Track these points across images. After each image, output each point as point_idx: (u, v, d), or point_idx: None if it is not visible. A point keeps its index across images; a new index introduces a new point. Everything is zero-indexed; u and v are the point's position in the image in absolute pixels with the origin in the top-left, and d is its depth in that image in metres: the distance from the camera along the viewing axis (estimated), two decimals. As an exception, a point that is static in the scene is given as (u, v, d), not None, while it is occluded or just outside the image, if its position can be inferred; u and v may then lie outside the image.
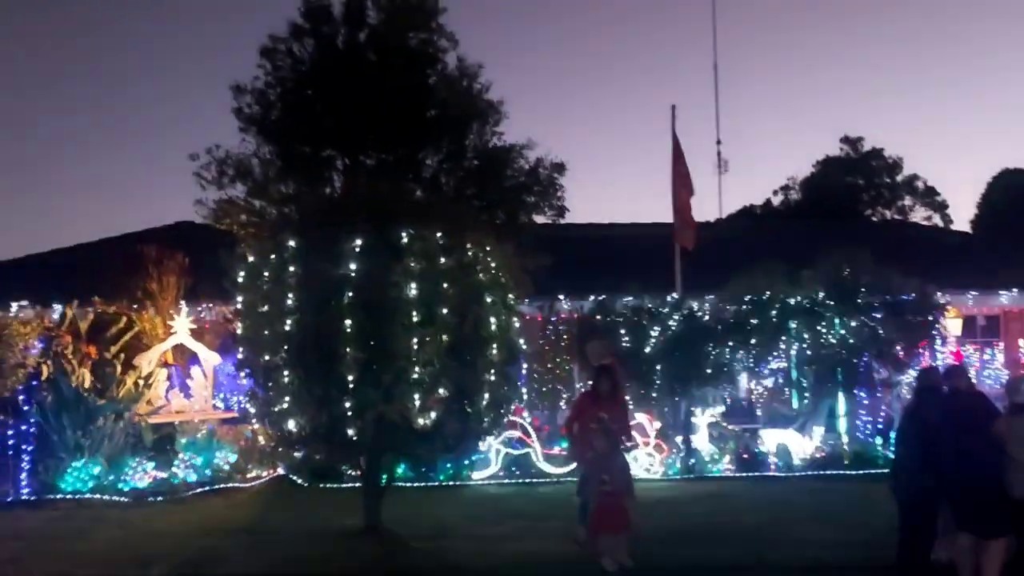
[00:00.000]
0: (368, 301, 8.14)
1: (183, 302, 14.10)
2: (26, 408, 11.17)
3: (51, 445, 11.37)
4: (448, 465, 12.19)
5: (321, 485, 11.97)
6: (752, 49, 66.31)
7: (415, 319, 8.20)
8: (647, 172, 76.02)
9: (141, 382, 12.36)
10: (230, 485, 11.94)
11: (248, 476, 12.35)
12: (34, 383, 11.30)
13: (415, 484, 11.93)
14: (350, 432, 8.25)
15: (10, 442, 10.98)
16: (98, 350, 11.97)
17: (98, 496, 11.07)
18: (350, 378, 8.05)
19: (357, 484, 11.59)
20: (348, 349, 8.03)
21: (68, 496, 11.01)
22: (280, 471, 12.49)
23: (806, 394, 13.90)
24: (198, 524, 9.76)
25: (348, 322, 8.06)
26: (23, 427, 11.09)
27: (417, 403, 8.21)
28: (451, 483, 12.17)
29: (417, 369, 8.17)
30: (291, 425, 8.48)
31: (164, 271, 14.01)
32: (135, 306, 13.74)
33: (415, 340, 8.16)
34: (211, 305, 14.99)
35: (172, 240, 15.56)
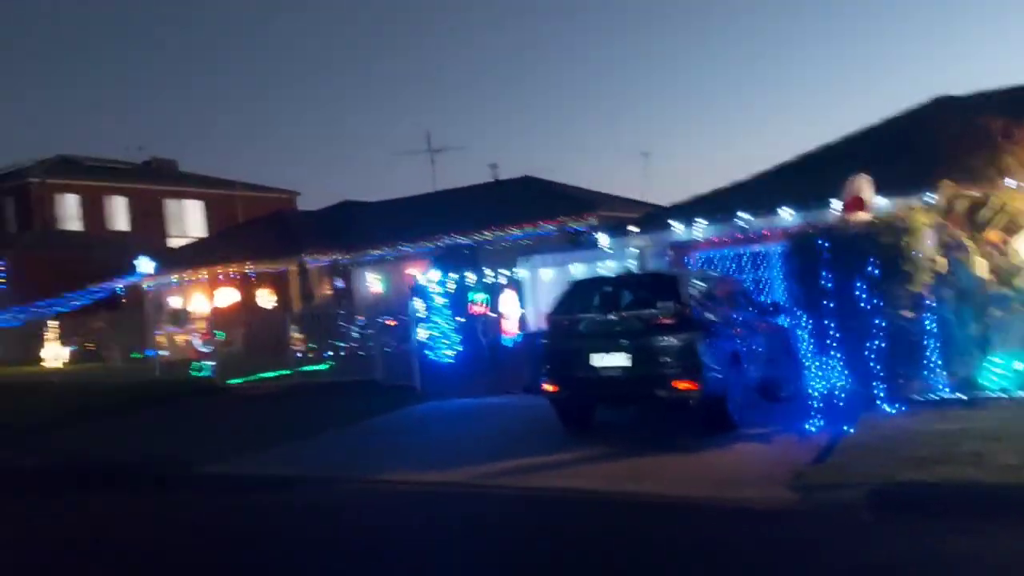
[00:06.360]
0: None
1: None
2: (928, 303, 10.56)
3: (955, 341, 10.64)
4: None
5: None
6: None
7: None
8: None
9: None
10: None
11: None
12: (936, 276, 10.62)
13: None
14: None
15: (919, 339, 10.47)
16: (999, 237, 10.79)
17: (1028, 395, 9.93)
18: None
19: None
20: None
21: (993, 394, 10.14)
22: None
23: None
24: None
25: None
26: (928, 323, 10.50)
27: None
28: None
29: None
30: None
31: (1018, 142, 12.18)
32: (988, 185, 12.21)
33: None
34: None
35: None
